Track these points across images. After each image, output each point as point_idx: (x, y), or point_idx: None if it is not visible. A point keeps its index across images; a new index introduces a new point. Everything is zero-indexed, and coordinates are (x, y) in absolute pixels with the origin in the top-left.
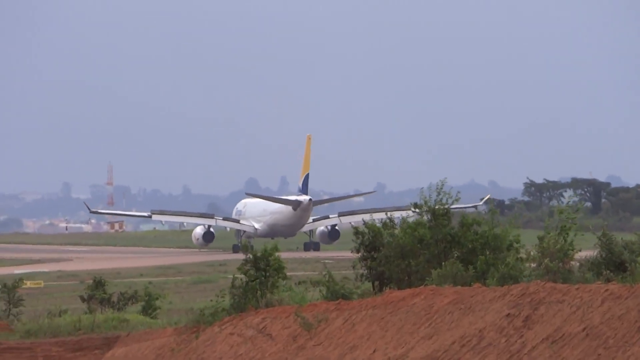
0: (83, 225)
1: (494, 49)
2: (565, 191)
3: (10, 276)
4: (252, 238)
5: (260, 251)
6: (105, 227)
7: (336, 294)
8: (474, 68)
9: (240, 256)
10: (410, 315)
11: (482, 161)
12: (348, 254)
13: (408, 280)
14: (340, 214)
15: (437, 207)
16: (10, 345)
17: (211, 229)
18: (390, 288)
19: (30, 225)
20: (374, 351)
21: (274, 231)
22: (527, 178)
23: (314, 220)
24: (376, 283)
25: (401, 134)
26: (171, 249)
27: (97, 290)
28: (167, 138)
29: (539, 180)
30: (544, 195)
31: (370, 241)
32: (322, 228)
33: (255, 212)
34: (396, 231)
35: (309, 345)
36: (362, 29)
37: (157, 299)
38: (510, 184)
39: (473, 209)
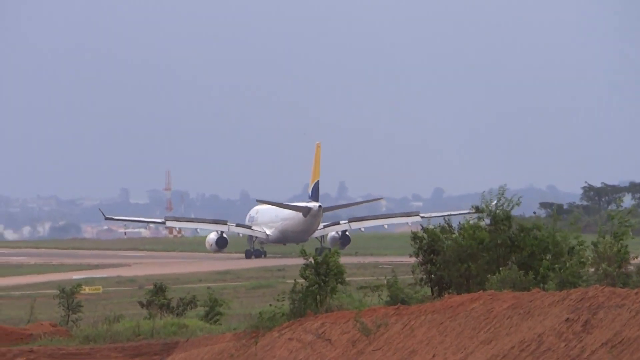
0: (142, 231)
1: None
2: (624, 195)
3: (68, 282)
4: (264, 244)
5: (321, 256)
6: (164, 233)
7: (396, 298)
8: (531, 71)
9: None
10: (470, 320)
11: (541, 165)
12: (406, 259)
13: (467, 284)
14: (350, 220)
15: (497, 211)
16: (69, 351)
17: (224, 235)
18: (449, 293)
19: (89, 231)
20: (433, 356)
21: (285, 237)
22: (586, 182)
23: (325, 226)
24: (435, 288)
25: (459, 138)
26: (229, 254)
27: (157, 295)
28: (226, 143)
29: (597, 184)
30: (603, 199)
31: (429, 245)
32: (333, 234)
33: (267, 219)
34: (454, 235)
35: (368, 350)
36: (423, 36)
37: (221, 305)
38: (570, 189)
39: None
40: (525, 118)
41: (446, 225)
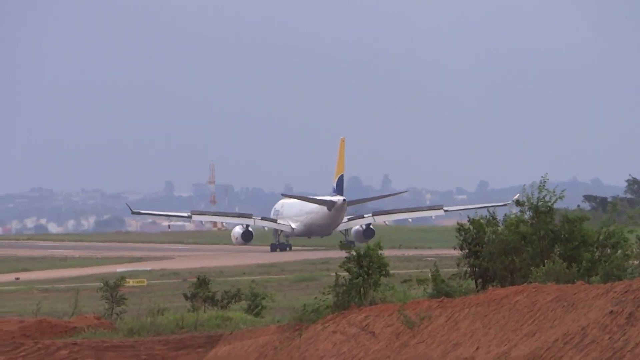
0: (186, 224)
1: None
2: None
3: (113, 275)
4: (289, 237)
5: (363, 249)
6: (208, 225)
7: (440, 291)
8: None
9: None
10: (513, 312)
11: (585, 158)
12: (451, 252)
13: (511, 277)
14: (375, 213)
15: (539, 204)
16: (113, 344)
17: (250, 229)
18: (493, 285)
19: (133, 224)
20: (477, 348)
21: (310, 230)
22: (630, 175)
23: (349, 220)
24: (479, 280)
25: (504, 130)
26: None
27: (201, 288)
28: (270, 137)
29: None
30: None
31: (474, 238)
32: (357, 227)
33: (292, 212)
34: (499, 228)
35: (412, 343)
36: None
37: (263, 298)
38: (614, 182)
39: (505, 207)
40: (569, 112)
41: (491, 218)
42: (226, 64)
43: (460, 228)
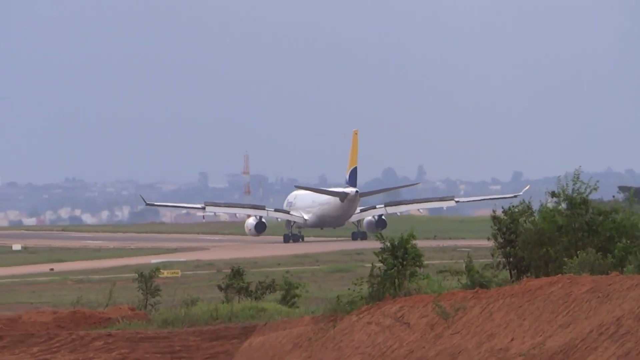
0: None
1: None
2: None
3: (147, 266)
4: (302, 228)
5: (397, 239)
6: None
7: (474, 282)
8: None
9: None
10: (548, 303)
11: (620, 148)
12: (486, 242)
13: (546, 268)
14: (387, 204)
15: (574, 195)
16: (148, 335)
17: (263, 220)
18: (527, 276)
19: (167, 215)
20: (512, 339)
21: (323, 222)
22: None
23: (361, 211)
24: (514, 271)
25: (538, 120)
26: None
27: (235, 279)
28: (304, 127)
29: None
30: None
31: (508, 228)
32: (369, 218)
33: (305, 204)
34: (534, 218)
35: (447, 333)
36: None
37: (297, 288)
38: None
39: (514, 199)
40: (605, 101)
41: (526, 207)
42: (260, 58)
43: (494, 218)
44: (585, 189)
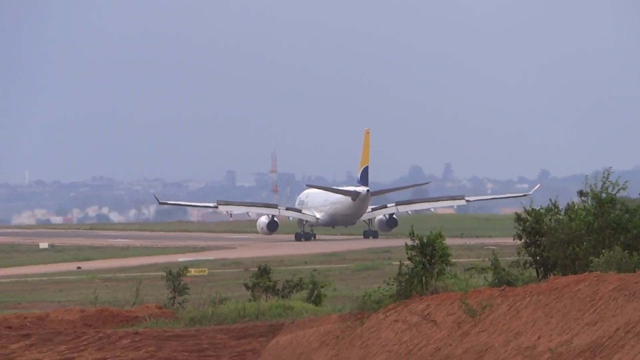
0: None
1: None
2: None
3: (174, 264)
4: (313, 227)
5: (426, 237)
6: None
7: (501, 280)
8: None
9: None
10: (575, 301)
11: None
12: (511, 241)
13: (572, 266)
14: (398, 203)
15: (602, 194)
16: (175, 333)
17: (275, 219)
18: (554, 274)
19: (195, 214)
20: (539, 337)
21: (334, 220)
22: None
23: (373, 210)
24: (540, 269)
25: (566, 117)
26: (336, 236)
27: (262, 277)
28: (331, 125)
29: None
30: None
31: (532, 227)
32: (380, 217)
33: (317, 203)
34: (560, 217)
35: (474, 331)
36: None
37: (322, 287)
38: None
39: (523, 198)
40: (632, 97)
41: (552, 207)
42: (288, 57)
43: (518, 217)
44: (614, 189)
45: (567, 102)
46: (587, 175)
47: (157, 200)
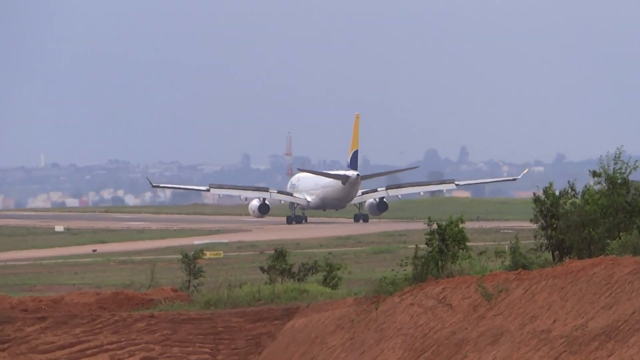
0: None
1: None
2: None
3: (190, 247)
4: (305, 210)
5: (446, 221)
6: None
7: (517, 263)
8: None
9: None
10: (590, 285)
11: None
12: (527, 224)
13: (588, 250)
14: (388, 187)
15: (615, 175)
16: (191, 316)
17: (266, 202)
18: (570, 258)
19: (210, 196)
20: (554, 321)
21: (325, 204)
22: None
23: (363, 193)
24: (556, 253)
25: (583, 101)
26: (349, 219)
27: (278, 261)
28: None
29: None
30: None
31: (549, 209)
32: (370, 200)
33: (308, 186)
34: (577, 200)
35: (489, 315)
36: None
37: (338, 269)
38: None
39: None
40: None
41: (569, 189)
42: (305, 40)
43: (536, 199)
44: (626, 169)
45: (584, 86)
46: (601, 156)
47: (150, 182)
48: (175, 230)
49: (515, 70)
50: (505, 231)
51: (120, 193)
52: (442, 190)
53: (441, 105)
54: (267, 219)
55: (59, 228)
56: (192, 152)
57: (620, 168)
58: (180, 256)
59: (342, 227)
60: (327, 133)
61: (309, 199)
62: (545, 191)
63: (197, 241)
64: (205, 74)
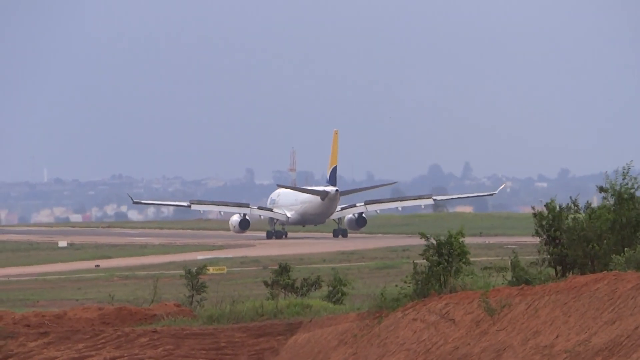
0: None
1: None
2: None
3: (193, 262)
4: (284, 225)
5: (445, 236)
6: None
7: (519, 279)
8: None
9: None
10: (594, 300)
11: None
12: (532, 239)
13: (591, 265)
14: (367, 202)
15: (622, 190)
16: (193, 331)
17: (247, 217)
18: (573, 273)
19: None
20: (557, 336)
21: (305, 219)
22: None
23: (342, 209)
24: (559, 268)
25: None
26: (355, 235)
27: (281, 275)
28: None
29: None
30: None
31: (550, 225)
32: (350, 216)
33: (288, 202)
34: (579, 215)
35: (492, 330)
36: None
37: (345, 285)
38: None
39: (490, 196)
40: None
41: (571, 205)
42: (308, 55)
43: (536, 214)
44: (633, 185)
45: (588, 101)
46: (606, 171)
47: (132, 199)
48: (178, 245)
49: (519, 85)
50: (509, 246)
51: (123, 208)
52: (420, 206)
53: (445, 121)
54: (248, 234)
55: (62, 243)
56: (196, 168)
57: (627, 184)
58: (183, 271)
59: (346, 242)
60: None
61: (288, 214)
62: (547, 206)
63: (201, 256)
64: (208, 90)
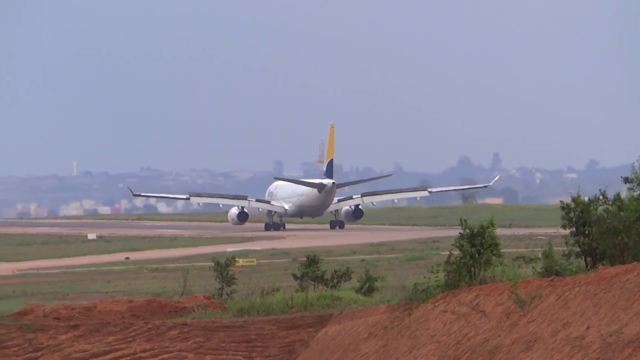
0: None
1: None
2: None
3: (222, 254)
4: (282, 217)
5: (477, 227)
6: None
7: (549, 270)
8: None
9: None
10: (624, 291)
11: None
12: (561, 231)
13: (621, 256)
14: (363, 195)
15: None
16: (223, 324)
17: (245, 210)
18: (603, 264)
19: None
20: (587, 328)
21: (302, 211)
22: None
23: (339, 201)
24: (589, 259)
25: (616, 108)
26: (385, 226)
27: (310, 267)
28: (380, 116)
29: None
30: None
31: (579, 216)
32: (346, 208)
33: (285, 194)
34: (609, 207)
35: (522, 322)
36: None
37: (376, 280)
38: None
39: (484, 188)
40: None
41: (600, 196)
42: (337, 44)
43: (564, 207)
44: None
45: (617, 91)
46: (633, 163)
47: (131, 192)
48: (207, 237)
49: (548, 76)
50: (539, 237)
51: (152, 201)
52: (416, 198)
53: (474, 112)
54: (246, 225)
55: (92, 236)
56: (224, 160)
57: None
58: (212, 264)
59: (377, 234)
60: (360, 140)
61: (286, 206)
62: (574, 199)
63: (230, 248)
64: (236, 81)
